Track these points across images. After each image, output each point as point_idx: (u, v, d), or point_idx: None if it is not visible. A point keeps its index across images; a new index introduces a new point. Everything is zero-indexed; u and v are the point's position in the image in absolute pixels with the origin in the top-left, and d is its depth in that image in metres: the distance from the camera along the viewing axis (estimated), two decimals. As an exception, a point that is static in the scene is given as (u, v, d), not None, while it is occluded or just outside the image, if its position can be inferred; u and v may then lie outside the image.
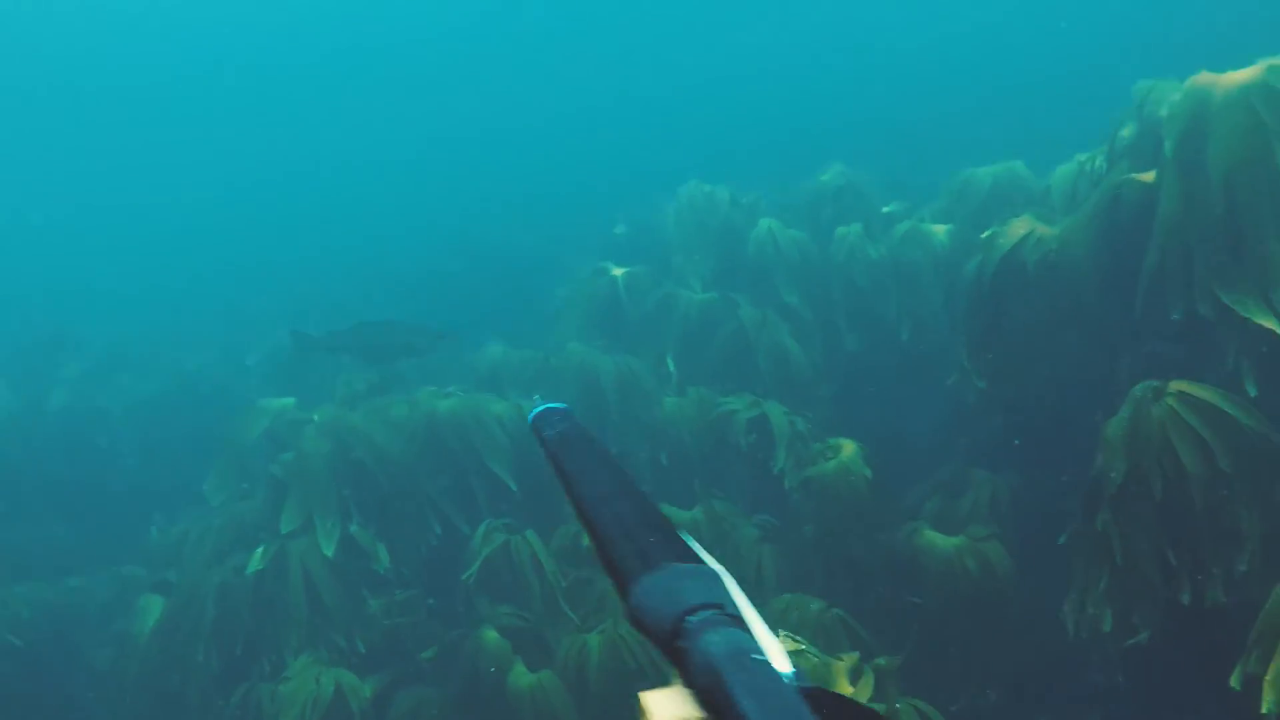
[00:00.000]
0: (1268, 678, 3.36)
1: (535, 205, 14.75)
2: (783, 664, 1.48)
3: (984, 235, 5.20)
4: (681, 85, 22.21)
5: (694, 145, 16.20)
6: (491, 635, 5.55)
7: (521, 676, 5.28)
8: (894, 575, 5.28)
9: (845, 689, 3.95)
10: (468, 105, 25.13)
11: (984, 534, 5.12)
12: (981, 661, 4.96)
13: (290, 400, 7.26)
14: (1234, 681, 3.52)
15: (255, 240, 17.40)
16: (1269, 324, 4.24)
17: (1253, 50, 4.57)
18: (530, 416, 2.11)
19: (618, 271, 8.03)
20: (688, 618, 1.50)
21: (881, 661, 4.05)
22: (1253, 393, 4.27)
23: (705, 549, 3.56)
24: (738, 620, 1.56)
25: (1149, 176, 4.61)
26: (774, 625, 3.98)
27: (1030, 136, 7.84)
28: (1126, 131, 5.12)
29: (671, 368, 7.26)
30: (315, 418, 6.40)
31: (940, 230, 7.00)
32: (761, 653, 1.45)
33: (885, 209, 8.03)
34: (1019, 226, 5.10)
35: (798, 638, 4.10)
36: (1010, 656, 4.98)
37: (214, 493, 6.94)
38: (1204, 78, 4.32)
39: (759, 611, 1.64)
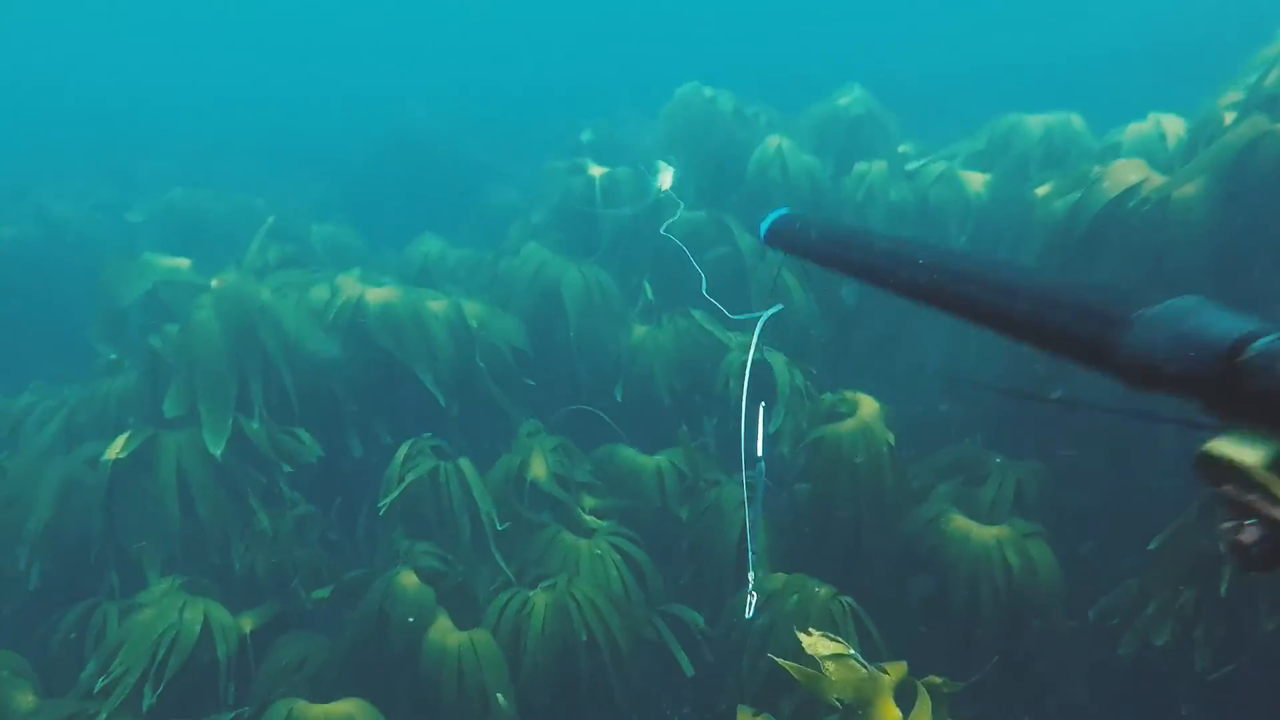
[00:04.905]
0: None
1: (490, 110, 13.32)
2: None
3: (1092, 174, 4.31)
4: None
5: (683, 52, 14.89)
6: (410, 578, 4.48)
7: (447, 633, 4.24)
8: (909, 565, 4.41)
9: (891, 714, 3.05)
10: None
11: (1028, 529, 4.27)
12: (1017, 679, 4.14)
13: (185, 261, 5.94)
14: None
15: (163, 102, 15.46)
16: None
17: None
18: (764, 228, 2.26)
19: (596, 170, 6.89)
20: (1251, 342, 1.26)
21: (938, 681, 3.16)
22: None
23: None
24: None
25: (1309, 128, 3.78)
26: (773, 609, 3.08)
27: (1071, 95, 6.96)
28: (1271, 79, 4.27)
29: (649, 290, 6.21)
30: (213, 283, 5.12)
31: (977, 179, 6.11)
32: None
33: (901, 148, 7.10)
34: (1129, 171, 4.22)
35: (836, 638, 3.17)
36: (1054, 677, 4.18)
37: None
38: None
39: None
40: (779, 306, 3.23)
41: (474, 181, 11.45)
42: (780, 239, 2.21)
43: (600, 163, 7.65)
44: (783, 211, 2.25)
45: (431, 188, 11.44)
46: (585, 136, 8.87)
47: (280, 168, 12.20)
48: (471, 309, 5.77)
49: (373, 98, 15.08)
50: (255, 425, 4.95)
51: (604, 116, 9.62)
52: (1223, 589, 3.27)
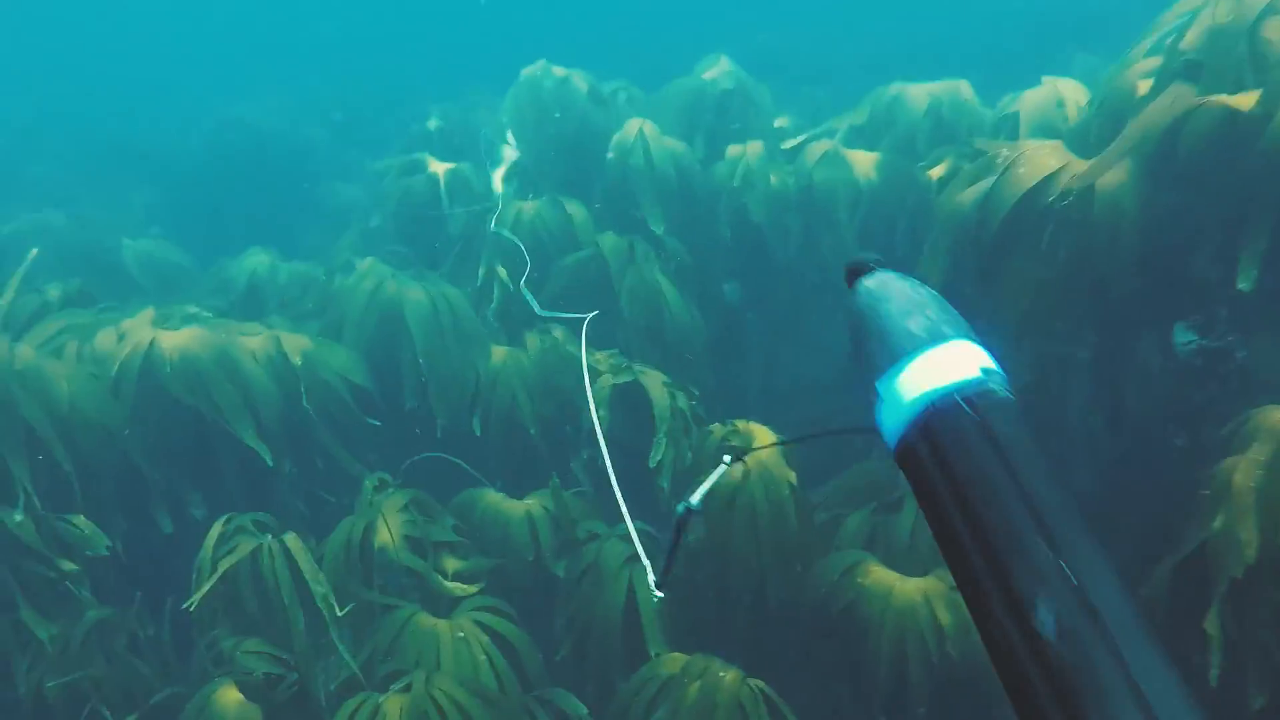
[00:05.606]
0: None
1: (336, 94, 12.10)
2: None
3: (1000, 161, 3.71)
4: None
5: (545, 20, 13.77)
6: (230, 695, 3.69)
7: (273, 771, 3.46)
8: (824, 628, 3.80)
9: None
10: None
11: (955, 577, 3.71)
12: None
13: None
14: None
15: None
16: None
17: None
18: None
19: (438, 167, 6.04)
20: None
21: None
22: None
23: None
24: None
25: (1246, 100, 3.25)
26: (671, 699, 2.29)
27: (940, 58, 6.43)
28: (1190, 41, 3.73)
29: (496, 294, 5.43)
30: (-46, 348, 4.12)
31: (866, 160, 5.50)
32: None
33: (776, 122, 6.46)
34: (1045, 156, 3.64)
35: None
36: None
37: None
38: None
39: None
40: (595, 312, 2.79)
41: (318, 178, 10.39)
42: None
43: (449, 154, 6.79)
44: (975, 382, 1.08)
45: (273, 188, 10.29)
46: (431, 124, 7.93)
47: (96, 171, 10.82)
48: (295, 343, 4.90)
49: (204, 86, 13.66)
50: (19, 517, 4.00)
51: (454, 100, 8.72)
52: (1213, 676, 2.74)
